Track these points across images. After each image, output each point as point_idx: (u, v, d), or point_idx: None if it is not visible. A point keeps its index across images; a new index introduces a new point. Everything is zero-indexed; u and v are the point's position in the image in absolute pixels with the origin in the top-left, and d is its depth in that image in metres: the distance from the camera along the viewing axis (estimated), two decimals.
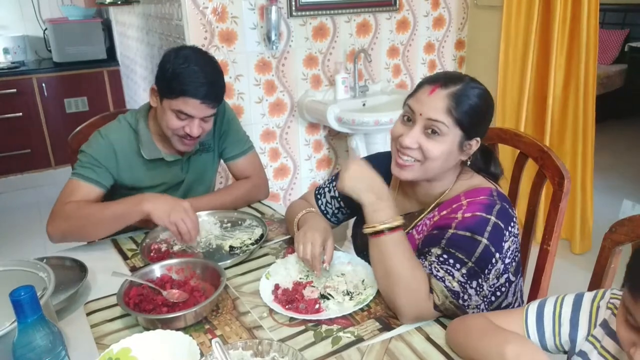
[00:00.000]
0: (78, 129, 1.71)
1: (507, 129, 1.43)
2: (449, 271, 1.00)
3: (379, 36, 2.71)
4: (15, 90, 3.82)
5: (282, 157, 2.67)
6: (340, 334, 1.00)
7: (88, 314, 1.09)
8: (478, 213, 1.04)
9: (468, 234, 1.02)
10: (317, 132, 2.72)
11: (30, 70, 3.92)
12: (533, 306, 0.90)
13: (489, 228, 1.02)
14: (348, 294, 1.11)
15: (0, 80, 3.77)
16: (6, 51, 4.15)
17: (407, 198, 1.23)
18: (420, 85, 1.10)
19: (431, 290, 1.00)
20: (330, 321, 1.03)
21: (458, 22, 2.93)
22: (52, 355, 0.77)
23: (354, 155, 2.52)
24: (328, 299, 1.09)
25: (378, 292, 1.10)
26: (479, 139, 1.10)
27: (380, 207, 1.03)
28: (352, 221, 1.41)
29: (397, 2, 2.67)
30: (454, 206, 1.09)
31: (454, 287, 0.99)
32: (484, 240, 1.01)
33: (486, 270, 1.01)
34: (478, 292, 1.01)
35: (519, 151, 1.38)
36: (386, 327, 1.01)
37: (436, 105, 1.05)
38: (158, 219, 1.26)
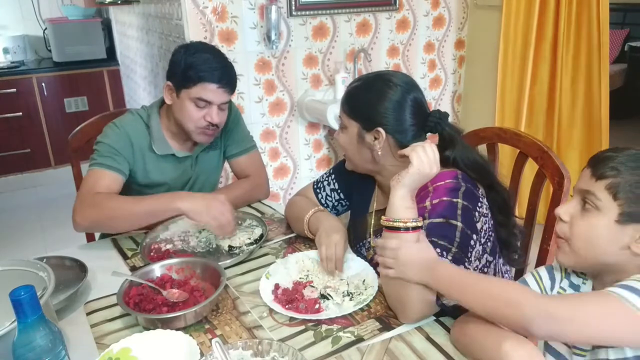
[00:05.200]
0: (78, 128, 1.71)
1: (507, 128, 1.43)
2: None
3: (379, 36, 2.71)
4: (15, 90, 3.82)
5: (282, 157, 2.67)
6: (340, 333, 1.00)
7: (88, 314, 1.09)
8: (445, 198, 1.06)
9: (442, 220, 1.04)
10: (317, 132, 2.72)
11: (30, 70, 3.91)
12: (620, 289, 0.97)
13: (459, 211, 1.04)
14: (348, 295, 1.11)
15: (0, 80, 3.77)
16: (6, 51, 4.15)
17: (385, 195, 1.24)
18: None
19: None
20: (330, 321, 1.03)
21: (458, 22, 2.93)
22: (52, 355, 0.77)
23: None
24: (328, 299, 1.09)
25: (378, 292, 1.10)
26: (380, 130, 1.13)
27: (411, 205, 1.03)
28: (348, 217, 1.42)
29: (397, 1, 2.67)
30: (421, 194, 1.10)
31: None
32: (459, 224, 1.03)
33: (468, 254, 1.03)
34: None
35: (518, 151, 1.38)
36: (386, 327, 1.01)
37: (340, 102, 1.21)
38: (197, 215, 1.27)
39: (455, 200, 1.05)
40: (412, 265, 0.96)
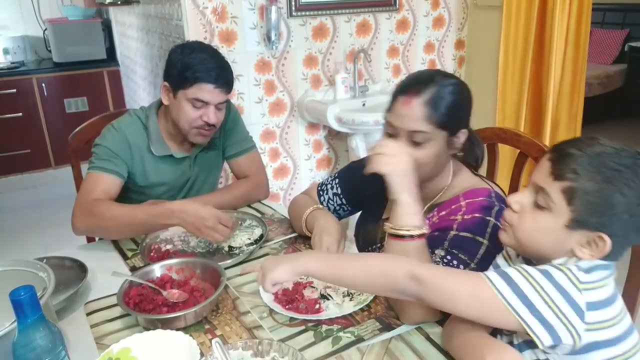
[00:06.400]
0: (78, 129, 1.71)
1: (507, 128, 1.43)
2: None
3: (379, 36, 2.71)
4: (15, 90, 3.82)
5: (282, 157, 2.67)
6: (341, 334, 1.00)
7: (88, 314, 1.09)
8: (478, 215, 1.05)
9: (469, 235, 1.03)
10: (317, 132, 2.72)
11: (30, 70, 3.92)
12: (492, 273, 0.89)
13: (489, 230, 1.03)
14: (348, 295, 1.11)
15: (0, 80, 3.77)
16: (6, 51, 4.15)
17: None
18: (394, 98, 1.08)
19: None
20: (331, 321, 1.03)
21: (458, 22, 2.93)
22: (52, 355, 0.77)
23: (353, 155, 2.52)
24: (328, 299, 1.09)
25: None
26: (465, 130, 1.10)
27: (415, 210, 1.00)
28: (352, 220, 1.41)
29: (397, 2, 2.67)
30: (452, 207, 1.09)
31: None
32: (485, 242, 1.02)
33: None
34: None
35: (519, 151, 1.38)
36: (386, 327, 1.01)
37: (414, 115, 1.03)
38: (190, 232, 1.29)
39: (487, 218, 1.04)
40: (276, 265, 0.94)
